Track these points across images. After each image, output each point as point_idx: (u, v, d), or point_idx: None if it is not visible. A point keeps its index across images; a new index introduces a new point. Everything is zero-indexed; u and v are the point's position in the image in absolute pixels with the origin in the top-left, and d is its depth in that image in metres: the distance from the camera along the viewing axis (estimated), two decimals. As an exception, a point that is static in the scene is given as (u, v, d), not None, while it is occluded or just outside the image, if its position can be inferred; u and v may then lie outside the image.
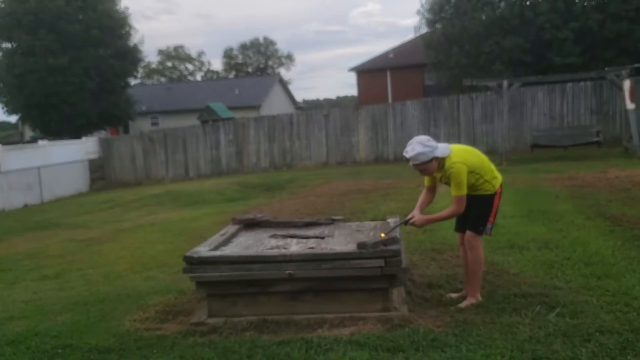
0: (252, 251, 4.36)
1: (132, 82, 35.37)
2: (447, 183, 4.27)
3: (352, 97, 51.95)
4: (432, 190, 4.50)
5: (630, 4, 18.31)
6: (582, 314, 3.84)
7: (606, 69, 16.08)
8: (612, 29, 18.27)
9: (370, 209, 9.15)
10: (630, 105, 14.50)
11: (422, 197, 4.49)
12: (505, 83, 15.66)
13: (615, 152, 15.57)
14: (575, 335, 3.53)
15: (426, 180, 4.45)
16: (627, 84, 14.39)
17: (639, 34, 18.30)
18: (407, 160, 4.23)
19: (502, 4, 20.15)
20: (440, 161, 4.19)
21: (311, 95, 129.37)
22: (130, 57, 29.85)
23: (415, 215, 4.33)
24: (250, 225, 5.31)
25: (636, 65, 16.05)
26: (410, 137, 16.24)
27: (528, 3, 19.83)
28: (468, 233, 4.33)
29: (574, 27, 18.36)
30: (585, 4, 18.76)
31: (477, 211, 4.28)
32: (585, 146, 16.00)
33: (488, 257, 5.51)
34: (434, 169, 4.23)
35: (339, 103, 68.26)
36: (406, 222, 4.34)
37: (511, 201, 8.74)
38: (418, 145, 4.15)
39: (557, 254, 5.43)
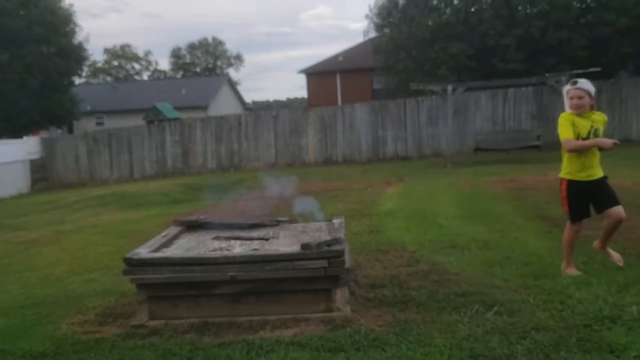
0: (194, 253, 4.30)
1: (77, 81, 34.34)
2: (597, 134, 4.62)
3: (302, 99, 52.05)
4: None
5: (570, 13, 19.06)
6: (518, 312, 3.94)
7: (546, 75, 16.69)
8: (553, 37, 18.96)
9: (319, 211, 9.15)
10: (569, 111, 15.06)
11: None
12: (449, 88, 16.03)
13: (555, 155, 16.03)
14: (511, 332, 3.61)
15: (570, 132, 4.65)
16: (566, 90, 14.96)
17: (579, 42, 19.06)
18: (575, 83, 4.66)
19: (448, 10, 20.60)
20: (592, 106, 4.66)
21: (261, 97, 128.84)
22: (74, 55, 28.92)
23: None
24: (193, 227, 5.23)
25: (575, 71, 16.71)
26: (359, 140, 16.50)
27: (473, 10, 20.34)
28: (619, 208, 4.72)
29: (516, 34, 18.96)
30: (528, 11, 19.38)
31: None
32: (526, 150, 16.53)
33: (430, 257, 5.63)
34: (586, 106, 4.63)
35: (289, 105, 68.23)
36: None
37: (454, 202, 8.95)
38: (589, 83, 4.66)
39: (497, 254, 5.58)
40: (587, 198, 4.76)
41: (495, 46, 19.24)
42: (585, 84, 4.59)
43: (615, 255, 4.91)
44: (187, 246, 4.59)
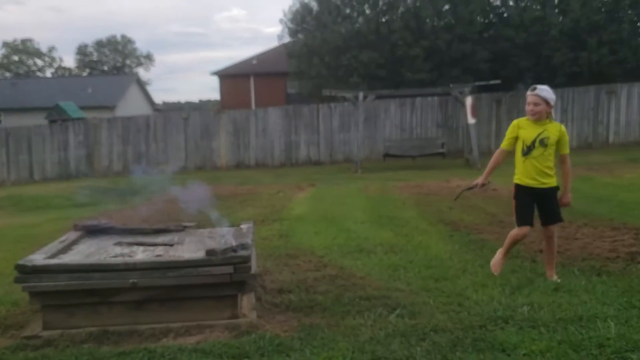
0: (93, 259, 4.11)
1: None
2: (545, 142, 4.62)
3: (215, 101, 51.32)
4: (507, 155, 4.89)
5: (474, 27, 20.06)
6: (419, 315, 4.08)
7: (451, 85, 17.46)
8: (458, 49, 19.88)
9: (227, 215, 9.04)
10: (471, 120, 15.86)
11: (496, 162, 4.92)
12: (361, 95, 16.39)
13: (458, 162, 16.93)
14: (412, 334, 3.73)
15: (507, 144, 4.82)
16: (469, 101, 15.73)
17: (481, 55, 20.10)
18: (534, 89, 4.62)
19: (360, 19, 21.06)
20: (549, 115, 4.67)
21: (172, 98, 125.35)
22: (-32, 47, 26.93)
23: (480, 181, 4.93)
24: (94, 232, 5.01)
25: (477, 83, 17.63)
26: (272, 144, 16.47)
27: (384, 20, 20.92)
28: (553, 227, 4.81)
29: (424, 45, 19.70)
30: (435, 24, 20.18)
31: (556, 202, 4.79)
32: (432, 157, 17.21)
33: (338, 261, 5.71)
34: (541, 113, 4.62)
35: (202, 107, 67.01)
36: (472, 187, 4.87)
37: (362, 207, 9.15)
38: (549, 90, 4.63)
39: (402, 258, 5.75)
40: (531, 204, 4.79)
41: (404, 56, 19.88)
42: (543, 91, 4.59)
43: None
44: (87, 252, 4.40)
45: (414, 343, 3.60)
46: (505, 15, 21.20)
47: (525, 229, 4.77)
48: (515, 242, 4.91)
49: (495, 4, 22.06)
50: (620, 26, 18.99)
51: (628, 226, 6.68)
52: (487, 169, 4.99)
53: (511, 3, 21.58)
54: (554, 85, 19.25)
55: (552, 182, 4.74)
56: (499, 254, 5.03)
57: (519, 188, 4.83)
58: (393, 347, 3.55)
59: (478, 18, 20.42)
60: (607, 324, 3.73)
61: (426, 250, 6.02)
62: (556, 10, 20.19)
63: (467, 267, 5.29)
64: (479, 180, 5.00)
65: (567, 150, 4.77)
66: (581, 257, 5.43)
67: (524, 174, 4.76)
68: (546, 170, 4.68)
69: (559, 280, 4.70)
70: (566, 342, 3.52)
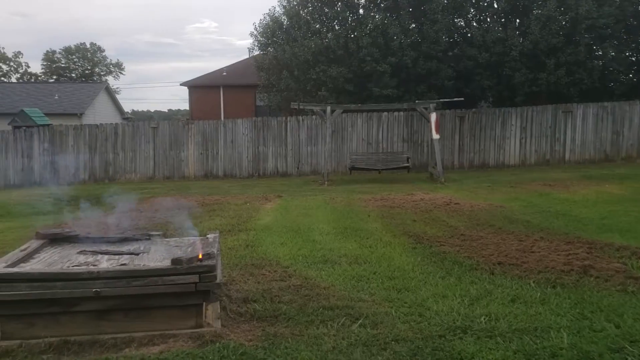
0: (55, 268, 4.08)
1: None
2: None
3: (185, 111, 50.94)
4: None
5: (439, 45, 20.48)
6: (381, 324, 4.17)
7: (416, 101, 17.76)
8: (423, 66, 20.25)
9: (195, 225, 9.01)
10: (435, 136, 16.15)
11: None
12: (328, 109, 16.53)
13: (422, 176, 17.19)
14: (373, 344, 3.82)
15: None
16: (433, 117, 16.01)
17: (446, 72, 20.52)
18: None
19: (330, 35, 21.27)
20: None
21: (141, 107, 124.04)
22: None
23: None
24: (57, 240, 4.96)
25: (442, 100, 17.99)
26: (240, 155, 16.59)
27: (352, 36, 21.19)
28: None
29: (391, 61, 20.00)
30: (402, 41, 20.50)
31: None
32: (397, 170, 17.41)
33: (303, 271, 5.77)
34: None
35: (171, 116, 66.50)
36: None
37: (328, 219, 9.23)
38: None
39: (365, 269, 5.85)
40: None
41: (372, 72, 20.14)
42: None
43: None
44: (50, 261, 4.35)
45: (375, 352, 3.69)
46: (469, 35, 21.71)
47: None
48: None
49: (459, 24, 22.59)
50: (577, 49, 19.66)
51: (582, 240, 6.92)
52: None
53: (474, 24, 22.16)
54: (514, 104, 19.88)
55: None
56: None
57: None
58: (355, 356, 3.63)
59: (443, 37, 20.86)
60: (560, 335, 3.89)
61: (389, 262, 6.13)
62: (517, 32, 20.79)
63: (429, 279, 5.42)
64: None
65: None
66: (537, 269, 5.61)
67: None
68: None
69: None
70: (521, 351, 3.66)
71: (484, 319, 4.23)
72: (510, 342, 3.80)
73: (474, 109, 20.51)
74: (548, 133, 19.62)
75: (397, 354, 3.67)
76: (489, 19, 22.09)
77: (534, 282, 5.20)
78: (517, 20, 21.74)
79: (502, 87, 21.08)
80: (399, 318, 4.32)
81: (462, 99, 18.32)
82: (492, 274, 5.54)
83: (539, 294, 4.83)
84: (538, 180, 14.31)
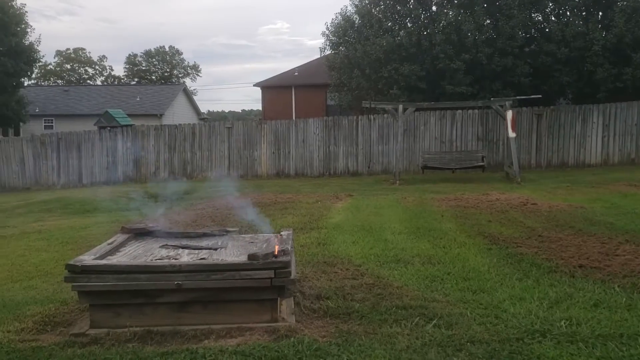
0: (140, 261, 4.28)
1: (26, 82, 33.33)
2: None
3: (258, 111, 52.04)
4: None
5: (515, 41, 19.86)
6: (456, 325, 4.10)
7: (492, 99, 17.29)
8: (499, 63, 19.69)
9: (268, 222, 9.21)
10: (511, 134, 15.67)
11: None
12: (400, 107, 16.39)
13: (498, 176, 16.73)
14: (448, 345, 3.76)
15: None
16: (509, 114, 15.55)
17: (522, 69, 19.86)
18: None
19: (402, 33, 21.06)
20: None
21: (216, 107, 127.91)
22: (24, 56, 28.10)
23: None
24: (140, 234, 5.20)
25: (518, 97, 17.43)
26: (312, 154, 16.80)
27: (425, 33, 20.91)
28: None
29: (465, 58, 19.58)
30: (477, 38, 20.03)
31: None
32: (471, 170, 17.03)
33: (375, 270, 5.77)
34: None
35: (244, 117, 68.07)
36: None
37: (400, 218, 9.15)
38: None
39: (439, 269, 5.76)
40: None
41: (445, 69, 19.80)
42: None
43: None
44: (134, 254, 4.57)
45: (450, 353, 3.63)
46: (547, 30, 20.90)
47: None
48: None
49: (537, 19, 21.79)
50: (666, 41, 18.54)
51: (672, 244, 6.52)
52: None
53: (553, 18, 21.28)
54: (595, 101, 18.95)
55: None
56: None
57: None
58: (430, 356, 3.59)
59: (520, 33, 20.19)
60: (648, 342, 3.69)
61: (464, 263, 6.01)
62: (599, 26, 19.81)
63: (505, 281, 5.27)
64: None
65: None
66: (622, 273, 5.34)
67: None
68: None
69: None
70: (605, 358, 3.50)
71: (564, 323, 4.08)
72: (593, 348, 3.64)
73: (552, 107, 19.76)
74: (633, 131, 18.59)
75: (473, 355, 3.60)
76: (568, 13, 21.15)
77: (618, 286, 4.95)
78: (600, 13, 20.72)
79: (582, 83, 20.15)
80: (475, 319, 4.23)
81: (540, 96, 17.69)
82: (573, 277, 5.32)
83: (624, 299, 4.60)
84: (622, 181, 13.59)
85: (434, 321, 4.18)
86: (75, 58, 60.25)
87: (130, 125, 22.92)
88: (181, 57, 62.88)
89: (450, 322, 4.17)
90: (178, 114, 39.06)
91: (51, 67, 58.10)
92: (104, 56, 69.05)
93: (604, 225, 7.91)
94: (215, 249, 4.74)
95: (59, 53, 59.17)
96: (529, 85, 19.98)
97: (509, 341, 3.80)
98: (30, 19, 61.26)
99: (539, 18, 21.87)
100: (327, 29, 24.16)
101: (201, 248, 4.77)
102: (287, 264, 4.03)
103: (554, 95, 21.50)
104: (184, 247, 4.79)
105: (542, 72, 20.25)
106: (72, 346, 3.82)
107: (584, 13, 20.87)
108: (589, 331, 3.92)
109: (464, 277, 5.44)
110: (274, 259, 4.03)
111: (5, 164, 21.38)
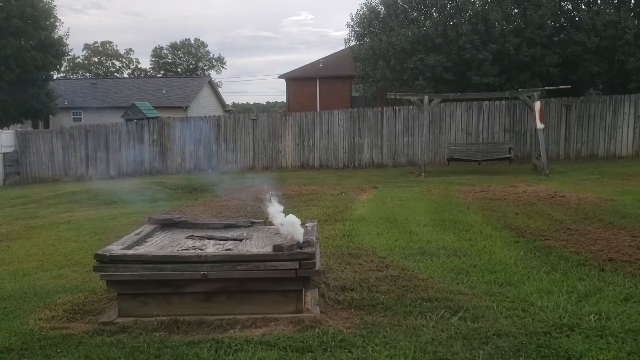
0: (166, 251, 4.32)
1: (55, 75, 33.92)
2: None
3: (282, 103, 52.14)
4: None
5: (544, 31, 19.50)
6: (482, 318, 4.06)
7: (519, 90, 17.02)
8: (527, 53, 19.37)
9: (293, 214, 9.22)
10: (540, 125, 15.41)
11: None
12: (426, 98, 16.24)
13: (525, 168, 16.49)
14: (474, 337, 3.73)
15: None
16: (537, 105, 15.29)
17: (551, 59, 19.50)
18: None
19: (427, 23, 20.85)
20: None
21: (241, 99, 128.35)
22: (53, 49, 28.49)
23: None
24: (167, 225, 5.26)
25: (547, 88, 17.12)
26: (336, 146, 16.78)
27: (451, 23, 20.65)
28: None
29: (492, 49, 19.30)
30: (504, 27, 19.72)
31: None
32: (498, 161, 16.83)
33: (400, 262, 5.74)
34: None
35: (269, 109, 68.24)
36: None
37: (425, 210, 9.09)
38: None
39: (465, 262, 5.71)
40: None
41: (472, 60, 19.54)
42: None
43: None
44: (161, 244, 4.62)
45: (476, 346, 3.60)
46: (576, 19, 20.45)
47: None
48: None
49: (566, 7, 21.33)
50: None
51: None
52: None
53: (583, 7, 20.81)
54: (626, 91, 18.45)
55: None
56: None
57: None
58: (455, 349, 3.56)
59: (548, 22, 19.80)
60: (681, 338, 3.60)
61: (490, 255, 5.94)
62: (631, 14, 19.30)
63: (532, 274, 5.20)
64: None
65: None
66: (655, 267, 5.22)
67: None
68: None
69: None
70: (636, 353, 3.44)
71: (593, 317, 4.01)
72: (623, 343, 3.58)
73: (581, 97, 19.35)
74: (667, 122, 18.14)
75: (500, 349, 3.56)
76: (599, 1, 20.66)
77: (650, 280, 4.85)
78: (632, 1, 20.20)
79: (613, 73, 19.69)
80: (501, 312, 4.18)
81: (569, 86, 17.35)
82: (602, 270, 5.22)
83: (655, 293, 4.50)
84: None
85: (460, 314, 4.14)
86: (102, 51, 61.07)
87: (157, 117, 23.17)
88: (206, 49, 63.32)
89: (476, 314, 4.13)
90: (203, 106, 39.34)
91: (79, 60, 59.00)
92: (130, 49, 69.94)
93: (635, 219, 7.75)
94: (241, 240, 4.77)
95: (86, 46, 60.09)
96: (557, 75, 19.61)
97: (537, 335, 3.75)
98: (59, 12, 62.03)
99: (569, 7, 21.43)
100: (352, 19, 24.06)
101: (226, 239, 4.80)
102: (311, 255, 4.03)
103: (584, 85, 21.07)
104: (209, 238, 4.84)
105: (572, 62, 19.86)
106: (101, 334, 3.90)
107: (615, 1, 20.37)
108: (619, 325, 3.84)
109: (490, 270, 5.38)
110: (298, 250, 4.04)
111: (36, 156, 21.84)
